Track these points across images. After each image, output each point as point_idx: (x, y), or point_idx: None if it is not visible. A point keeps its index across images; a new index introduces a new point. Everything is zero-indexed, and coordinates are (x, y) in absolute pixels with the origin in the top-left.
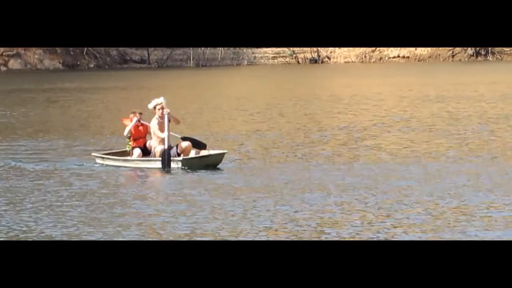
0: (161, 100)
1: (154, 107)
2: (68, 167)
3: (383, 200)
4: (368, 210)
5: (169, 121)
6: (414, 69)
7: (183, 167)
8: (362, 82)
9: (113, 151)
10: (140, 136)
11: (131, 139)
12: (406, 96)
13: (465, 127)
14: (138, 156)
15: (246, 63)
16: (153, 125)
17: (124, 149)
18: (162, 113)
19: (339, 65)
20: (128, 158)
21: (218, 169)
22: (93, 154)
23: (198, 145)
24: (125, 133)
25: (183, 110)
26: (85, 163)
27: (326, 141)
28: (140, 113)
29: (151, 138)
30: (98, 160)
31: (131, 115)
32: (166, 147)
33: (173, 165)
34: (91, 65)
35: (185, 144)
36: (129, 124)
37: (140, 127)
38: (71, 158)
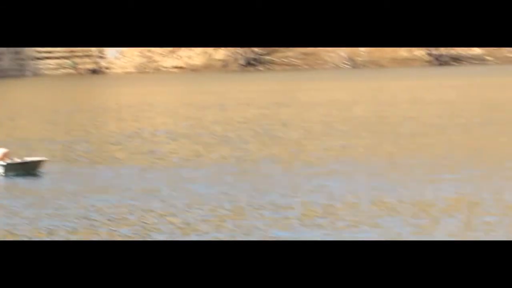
0: None
1: None
2: None
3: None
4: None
5: None
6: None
7: (5, 172)
8: (142, 91)
9: None
10: None
11: None
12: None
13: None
14: None
15: (30, 74)
16: None
17: None
18: None
19: (118, 75)
20: None
21: (38, 175)
22: None
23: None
24: None
25: None
26: None
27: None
28: None
29: None
30: None
31: None
32: None
33: None
34: None
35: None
36: None
37: None
38: None
